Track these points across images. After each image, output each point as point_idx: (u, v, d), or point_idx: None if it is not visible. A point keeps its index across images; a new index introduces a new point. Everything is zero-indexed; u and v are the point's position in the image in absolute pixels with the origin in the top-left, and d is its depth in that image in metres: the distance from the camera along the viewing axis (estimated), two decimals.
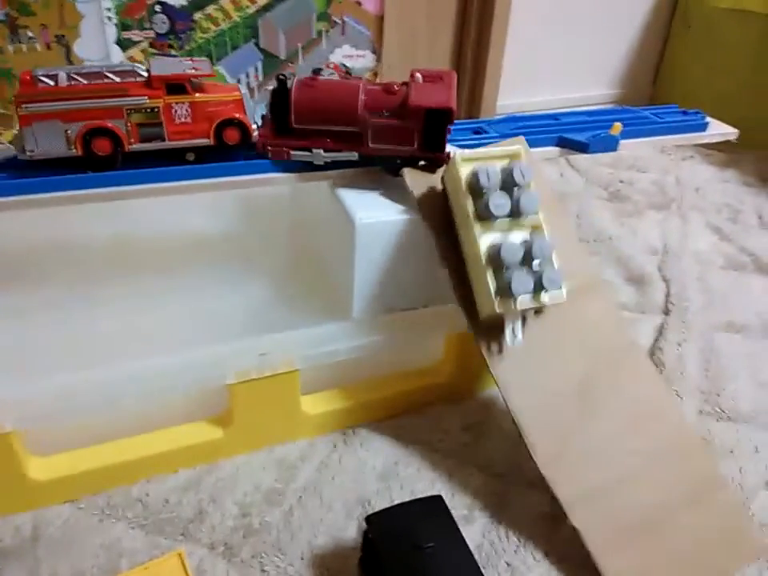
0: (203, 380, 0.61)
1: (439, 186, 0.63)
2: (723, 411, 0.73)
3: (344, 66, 1.27)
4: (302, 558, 0.56)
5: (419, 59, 1.34)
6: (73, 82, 0.57)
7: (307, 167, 0.64)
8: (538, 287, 0.57)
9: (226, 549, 0.57)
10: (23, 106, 0.56)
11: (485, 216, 0.57)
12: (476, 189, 0.57)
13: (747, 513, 0.61)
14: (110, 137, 0.58)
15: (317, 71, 0.64)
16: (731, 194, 1.21)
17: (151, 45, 1.12)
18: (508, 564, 0.57)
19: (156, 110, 0.59)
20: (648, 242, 1.05)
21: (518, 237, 0.58)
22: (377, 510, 0.55)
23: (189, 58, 0.64)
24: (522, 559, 0.57)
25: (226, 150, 0.62)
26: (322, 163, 0.63)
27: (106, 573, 0.55)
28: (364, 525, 0.52)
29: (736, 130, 0.81)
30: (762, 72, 1.37)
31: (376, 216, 0.61)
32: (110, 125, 0.58)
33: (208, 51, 1.16)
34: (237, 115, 0.61)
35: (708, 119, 0.81)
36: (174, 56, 1.13)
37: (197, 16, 1.12)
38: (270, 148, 0.62)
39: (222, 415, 0.64)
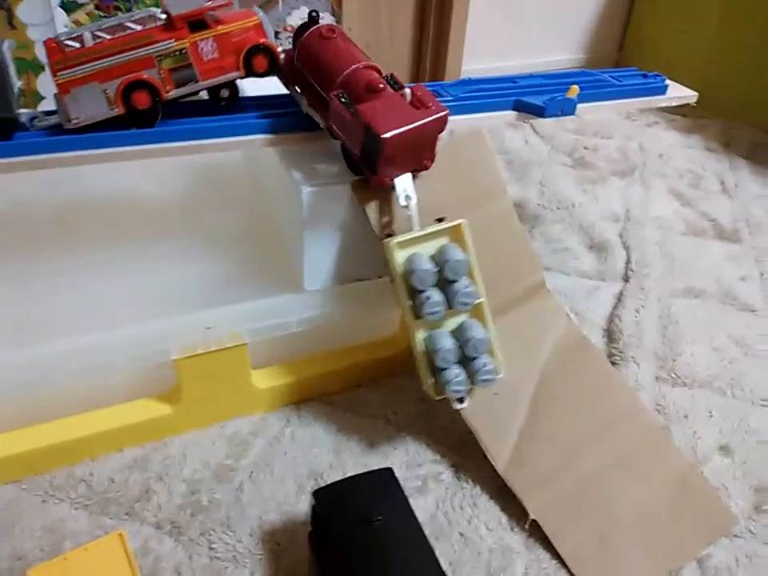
0: (148, 355, 0.59)
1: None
2: (679, 377, 0.73)
3: None
4: (251, 535, 0.55)
5: (381, 23, 1.30)
6: (98, 40, 0.55)
7: (272, 130, 0.62)
8: (474, 378, 0.56)
9: (173, 527, 0.55)
10: (59, 73, 0.54)
11: (421, 314, 0.55)
12: (411, 285, 0.55)
13: (716, 494, 0.61)
14: (147, 88, 0.56)
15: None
16: (694, 159, 1.21)
17: (97, 7, 1.06)
18: (461, 534, 0.56)
19: (184, 51, 0.56)
20: (610, 209, 1.04)
21: (454, 324, 0.57)
22: (330, 482, 0.54)
23: None
24: (475, 529, 0.57)
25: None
26: (304, 112, 0.61)
27: (48, 555, 0.53)
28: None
29: (695, 93, 0.80)
30: (728, 37, 1.35)
31: (323, 182, 0.59)
32: (145, 76, 0.56)
33: None
34: (261, 40, 0.58)
35: (668, 82, 0.79)
36: None
37: None
38: (282, 74, 0.62)
39: (169, 391, 0.63)
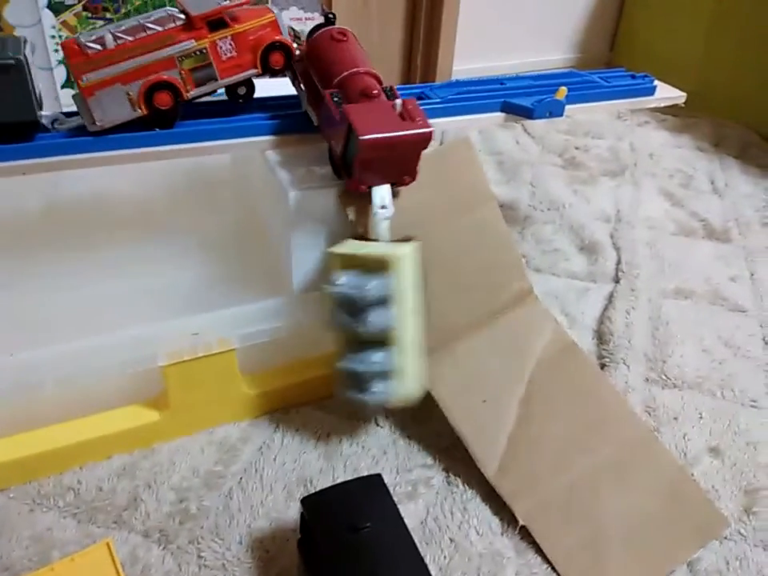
0: (134, 362, 0.58)
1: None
2: (668, 378, 0.73)
3: (292, 29, 1.22)
4: (241, 542, 0.55)
5: (371, 24, 1.30)
6: (119, 42, 0.55)
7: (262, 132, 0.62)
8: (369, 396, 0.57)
9: (162, 535, 0.55)
10: (84, 76, 0.54)
11: (337, 326, 0.56)
12: (337, 298, 0.55)
13: (706, 496, 0.60)
14: (169, 89, 0.57)
15: None
16: (684, 159, 1.21)
17: (85, 8, 1.06)
18: (451, 539, 0.56)
19: (204, 50, 0.57)
20: (601, 210, 1.04)
21: (368, 343, 0.57)
22: (319, 490, 0.54)
23: None
24: (465, 534, 0.57)
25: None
26: (303, 109, 0.62)
27: (36, 564, 0.53)
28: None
29: (684, 94, 0.80)
30: (718, 36, 1.36)
31: (310, 186, 0.59)
32: (166, 77, 0.56)
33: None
34: (277, 37, 0.58)
35: (656, 83, 0.79)
36: (110, 20, 1.07)
37: None
38: (291, 71, 0.63)
39: (157, 398, 0.62)
